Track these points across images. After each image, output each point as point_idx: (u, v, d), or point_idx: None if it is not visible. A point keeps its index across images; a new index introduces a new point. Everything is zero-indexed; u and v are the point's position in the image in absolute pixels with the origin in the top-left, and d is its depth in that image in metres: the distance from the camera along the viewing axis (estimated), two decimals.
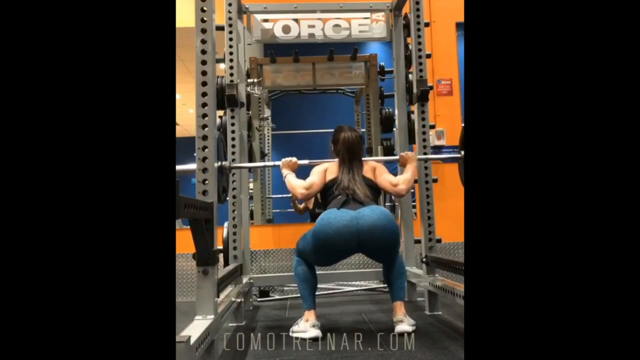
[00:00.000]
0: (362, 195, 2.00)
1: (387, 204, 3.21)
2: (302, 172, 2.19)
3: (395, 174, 2.22)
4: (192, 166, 1.68)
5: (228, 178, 2.28)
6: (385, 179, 2.12)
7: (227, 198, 2.49)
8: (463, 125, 2.47)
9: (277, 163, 2.22)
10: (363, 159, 2.16)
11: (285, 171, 2.16)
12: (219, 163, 1.79)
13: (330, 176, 2.11)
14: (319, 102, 5.27)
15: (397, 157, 2.34)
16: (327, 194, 2.10)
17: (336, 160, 2.15)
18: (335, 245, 1.90)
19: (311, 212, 3.74)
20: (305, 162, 2.22)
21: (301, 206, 3.92)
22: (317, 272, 2.10)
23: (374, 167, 2.17)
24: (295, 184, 2.10)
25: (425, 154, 2.53)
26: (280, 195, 4.25)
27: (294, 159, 2.19)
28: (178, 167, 1.56)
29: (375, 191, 2.11)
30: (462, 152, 2.28)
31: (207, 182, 1.64)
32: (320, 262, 2.08)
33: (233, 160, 2.57)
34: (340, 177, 2.07)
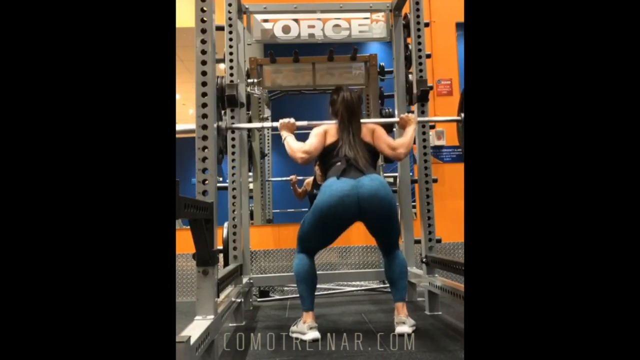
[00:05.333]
0: (362, 162, 1.98)
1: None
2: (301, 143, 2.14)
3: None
4: (191, 126, 1.66)
5: (225, 139, 2.26)
6: (384, 141, 2.10)
7: (226, 155, 2.47)
8: (463, 89, 2.47)
9: (275, 124, 2.20)
10: (362, 120, 2.13)
11: (284, 133, 2.14)
12: (216, 123, 1.76)
13: (330, 139, 2.07)
14: (319, 102, 5.26)
15: (396, 119, 2.32)
16: (327, 158, 2.07)
17: (335, 121, 2.11)
18: (337, 215, 1.91)
19: (310, 195, 3.74)
20: (304, 123, 2.20)
21: (300, 190, 3.94)
22: (317, 272, 2.10)
23: (372, 129, 2.13)
24: (295, 147, 2.06)
25: (425, 154, 2.53)
26: (280, 179, 4.26)
27: (292, 120, 2.17)
28: (178, 127, 1.54)
29: (374, 155, 2.10)
30: (462, 115, 2.27)
31: (207, 182, 1.64)
32: (322, 238, 2.05)
33: (233, 168, 2.57)
34: (341, 140, 2.04)
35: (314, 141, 2.07)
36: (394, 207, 1.97)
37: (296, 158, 2.06)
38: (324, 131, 2.10)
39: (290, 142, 2.10)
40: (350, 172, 1.96)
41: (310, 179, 3.96)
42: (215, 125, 1.69)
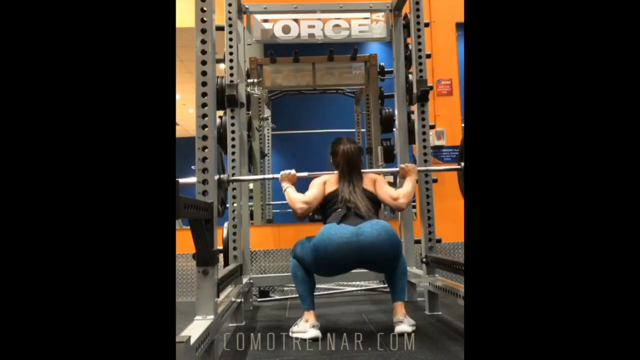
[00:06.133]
0: (363, 209, 1.99)
1: (386, 212, 3.20)
2: (301, 185, 2.18)
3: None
4: (193, 179, 1.67)
5: (227, 191, 2.28)
6: (385, 192, 2.12)
7: (227, 205, 2.48)
8: (463, 135, 2.45)
9: (276, 176, 2.22)
10: (362, 170, 2.15)
11: (284, 184, 2.15)
12: (218, 176, 1.78)
13: (330, 188, 2.10)
14: (319, 102, 5.27)
15: (396, 169, 2.34)
16: (327, 206, 2.09)
17: (335, 172, 2.14)
18: (334, 261, 1.90)
19: (310, 218, 3.74)
20: (305, 174, 2.21)
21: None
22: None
23: (374, 179, 2.16)
24: (295, 198, 2.08)
25: (425, 154, 2.53)
26: (280, 202, 4.24)
27: (293, 171, 2.17)
28: (180, 181, 1.54)
29: (376, 204, 2.11)
30: (462, 164, 2.26)
31: (207, 182, 1.64)
32: (319, 273, 2.06)
33: (233, 168, 2.57)
34: (341, 189, 2.06)
35: (314, 191, 2.09)
36: (397, 250, 1.96)
37: (296, 209, 2.08)
38: (324, 182, 2.13)
39: (291, 194, 2.11)
40: (350, 217, 1.96)
41: None
42: (216, 178, 1.69)
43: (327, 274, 2.06)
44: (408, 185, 2.14)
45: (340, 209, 2.01)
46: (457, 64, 3.53)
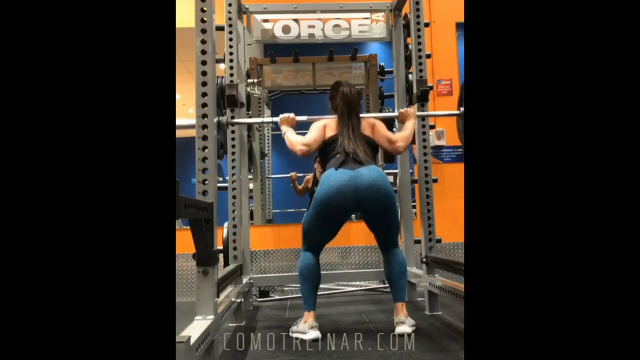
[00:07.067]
0: (362, 155, 2.00)
1: None
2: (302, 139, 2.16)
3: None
4: (191, 121, 1.67)
5: (226, 134, 2.30)
6: (383, 135, 2.12)
7: (226, 155, 2.49)
8: (463, 82, 2.49)
9: (275, 119, 2.23)
10: (361, 115, 2.15)
11: (284, 127, 2.16)
12: (217, 118, 1.79)
13: (330, 133, 2.09)
14: (319, 102, 5.26)
15: (396, 114, 2.33)
16: (326, 151, 2.09)
17: (335, 116, 2.14)
18: (335, 205, 1.92)
19: (310, 192, 3.74)
20: (304, 118, 2.22)
21: (300, 187, 3.93)
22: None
23: (372, 123, 2.15)
24: (295, 140, 2.09)
25: (425, 154, 2.53)
26: (280, 175, 4.27)
27: (292, 115, 2.19)
28: (178, 122, 1.55)
29: (374, 148, 2.12)
30: (462, 109, 2.30)
31: (207, 182, 1.64)
32: (323, 232, 2.05)
33: (233, 168, 2.57)
34: (340, 135, 2.06)
35: (313, 134, 2.10)
36: (393, 199, 1.98)
37: (295, 151, 2.08)
38: (324, 125, 2.13)
39: (290, 136, 2.12)
40: (349, 163, 1.97)
41: (310, 176, 3.97)
42: (215, 120, 1.70)
43: (330, 227, 2.04)
44: (406, 130, 2.16)
45: (339, 155, 2.01)
46: (457, 64, 3.53)
